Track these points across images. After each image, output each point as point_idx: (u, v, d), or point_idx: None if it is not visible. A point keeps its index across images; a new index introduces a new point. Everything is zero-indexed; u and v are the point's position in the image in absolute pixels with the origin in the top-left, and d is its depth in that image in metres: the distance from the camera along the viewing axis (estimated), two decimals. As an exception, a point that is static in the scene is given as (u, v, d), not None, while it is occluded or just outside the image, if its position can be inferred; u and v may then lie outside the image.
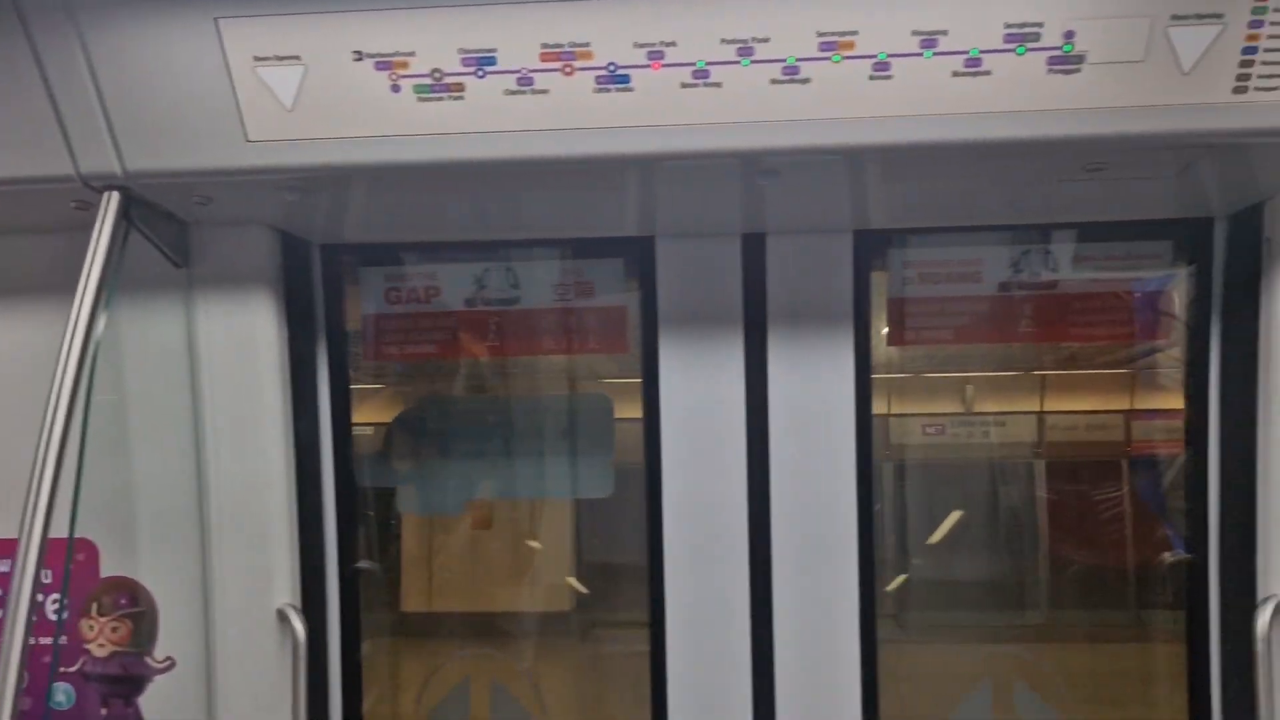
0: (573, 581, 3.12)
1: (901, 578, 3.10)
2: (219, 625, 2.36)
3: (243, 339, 2.32)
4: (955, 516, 3.11)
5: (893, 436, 3.12)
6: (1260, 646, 2.14)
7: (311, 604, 2.45)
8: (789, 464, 2.45)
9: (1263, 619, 2.16)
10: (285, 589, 2.37)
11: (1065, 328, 2.55)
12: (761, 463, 2.46)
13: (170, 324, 2.34)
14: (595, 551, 3.13)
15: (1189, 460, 2.45)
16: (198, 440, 2.34)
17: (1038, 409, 3.11)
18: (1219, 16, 1.68)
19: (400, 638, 3.13)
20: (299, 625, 2.32)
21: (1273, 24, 1.68)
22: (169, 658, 2.40)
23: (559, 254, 2.63)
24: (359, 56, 1.80)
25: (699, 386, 2.46)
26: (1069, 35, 1.71)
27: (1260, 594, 2.22)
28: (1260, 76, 1.72)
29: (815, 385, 2.44)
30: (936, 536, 3.12)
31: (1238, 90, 1.73)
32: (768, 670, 2.47)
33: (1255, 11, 1.67)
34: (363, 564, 2.68)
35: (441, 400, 2.95)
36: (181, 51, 1.82)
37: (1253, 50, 1.70)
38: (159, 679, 2.41)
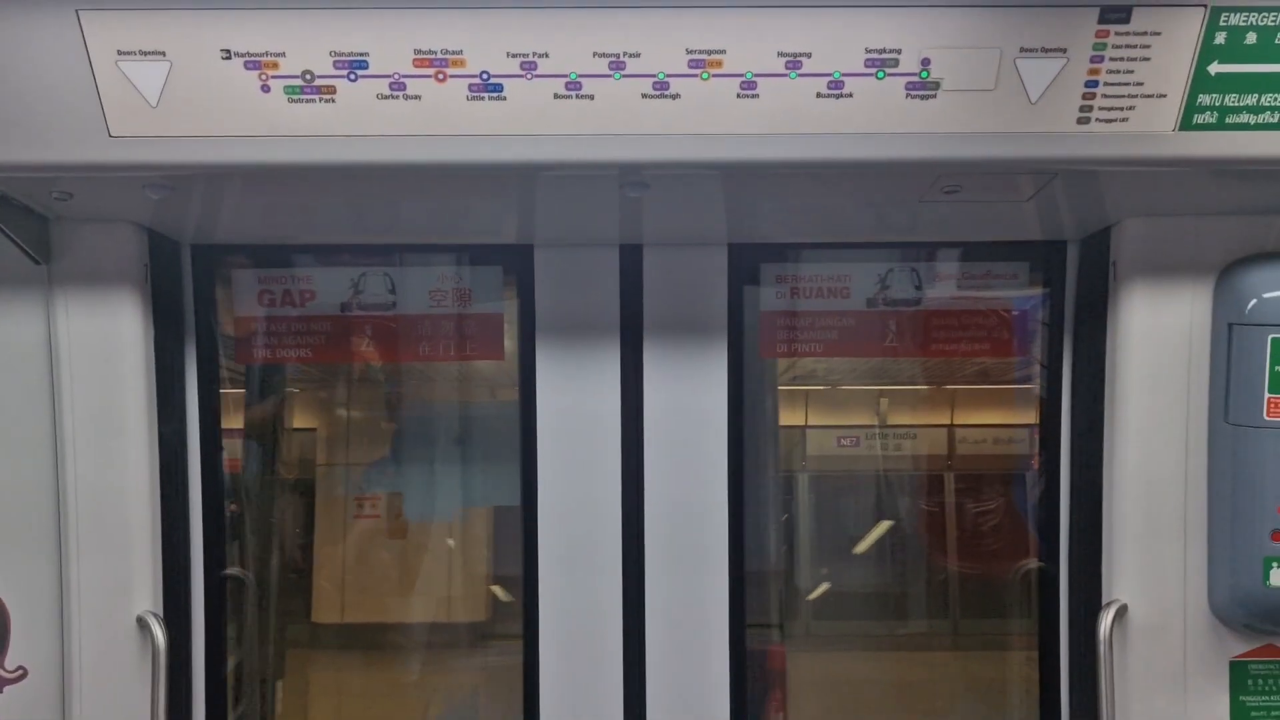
0: (497, 590, 3.09)
1: (824, 587, 3.16)
2: (75, 633, 2.28)
3: (105, 339, 2.25)
4: (884, 526, 3.18)
5: (809, 448, 3.18)
6: (1103, 648, 2.26)
7: (175, 612, 2.39)
8: (663, 472, 2.49)
9: (1105, 622, 2.27)
10: (146, 596, 2.31)
11: (929, 343, 2.65)
12: (636, 470, 2.49)
13: (29, 322, 2.27)
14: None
15: (1043, 472, 2.57)
16: (56, 442, 2.27)
17: (948, 422, 3.20)
18: (1063, 51, 1.77)
19: (311, 650, 3.05)
20: (159, 633, 2.27)
21: (1112, 59, 1.79)
22: (21, 667, 2.31)
23: (437, 260, 2.63)
24: (227, 55, 1.78)
25: (575, 394, 2.48)
26: (925, 63, 1.78)
27: (1104, 598, 2.34)
28: (1101, 109, 1.82)
29: (690, 394, 2.49)
30: (862, 546, 3.19)
31: (1081, 120, 1.83)
32: (639, 675, 2.51)
33: (1096, 47, 1.77)
34: (232, 571, 2.63)
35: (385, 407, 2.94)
36: (41, 42, 1.77)
37: (1094, 84, 1.80)
38: (10, 689, 2.32)
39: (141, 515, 2.30)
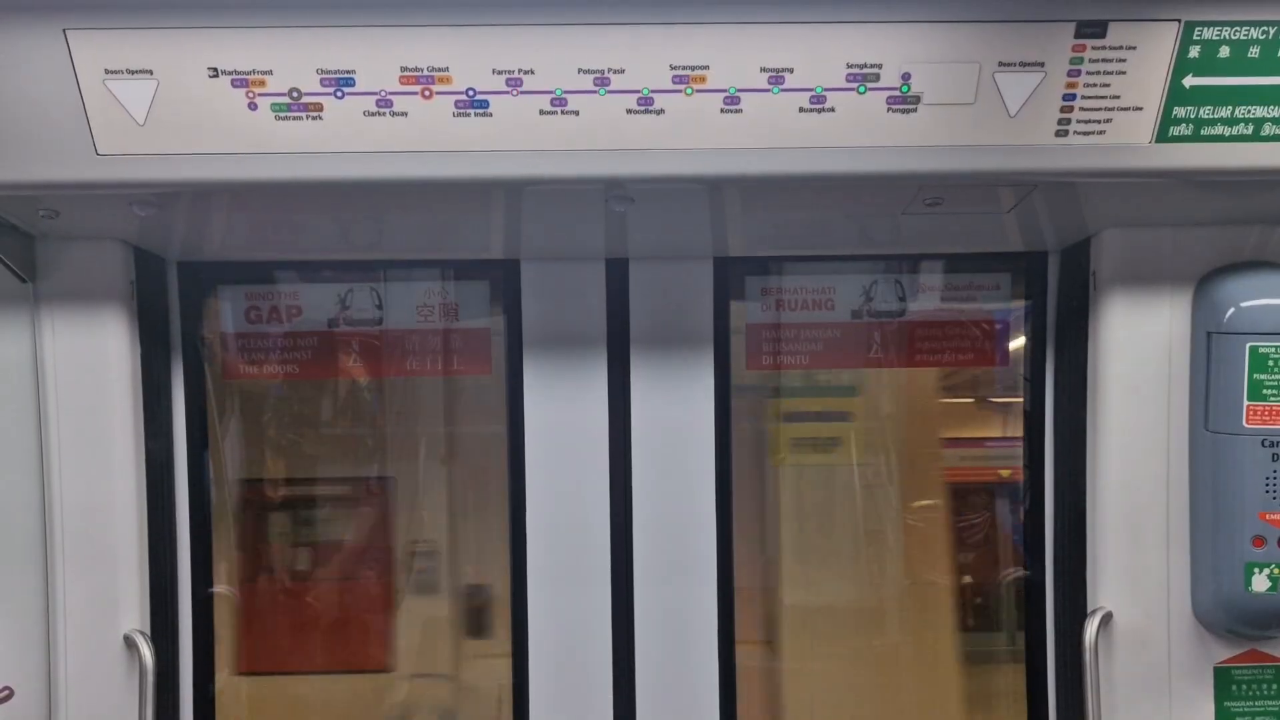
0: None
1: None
2: (62, 652, 2.27)
3: (92, 356, 2.25)
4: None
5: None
6: (1088, 655, 2.28)
7: (162, 630, 2.38)
8: (651, 485, 2.50)
9: (1091, 629, 2.29)
10: (133, 614, 2.30)
11: (913, 354, 2.67)
12: (624, 484, 2.50)
13: (15, 340, 2.26)
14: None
15: (1028, 482, 2.59)
16: (43, 459, 2.27)
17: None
18: (1040, 65, 1.80)
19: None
20: (147, 651, 2.26)
21: (1089, 73, 1.81)
22: (7, 687, 2.29)
23: (424, 275, 2.64)
24: (215, 73, 1.79)
25: (562, 408, 2.49)
26: (906, 77, 1.81)
27: (1089, 606, 2.36)
28: (1079, 121, 1.85)
29: (677, 407, 2.50)
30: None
31: (1060, 133, 1.85)
32: (629, 689, 2.51)
33: (1073, 61, 1.80)
34: (219, 589, 2.62)
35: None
36: (28, 61, 1.77)
37: (1072, 97, 1.83)
38: (-5, 710, 2.31)
39: (128, 532, 2.30)
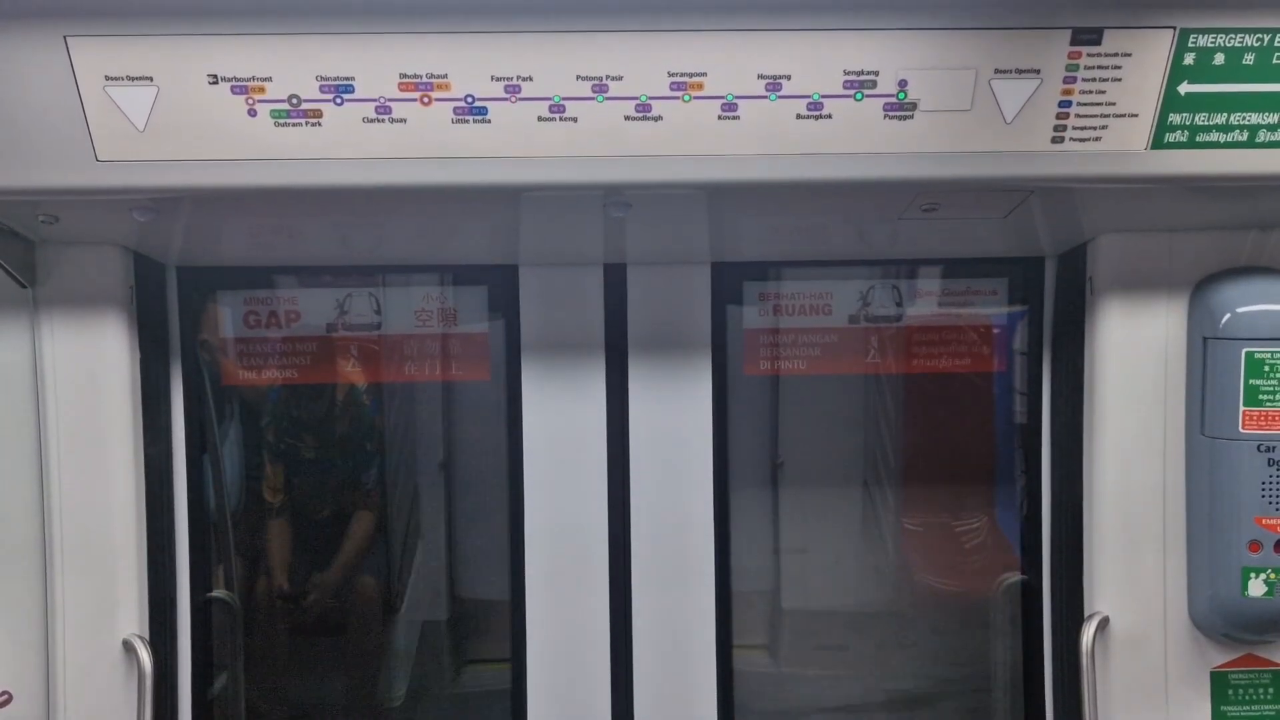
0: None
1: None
2: (60, 657, 2.28)
3: (91, 361, 2.26)
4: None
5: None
6: (1085, 660, 2.28)
7: (161, 635, 2.39)
8: (649, 490, 2.51)
9: (1087, 634, 2.29)
10: (132, 619, 2.30)
11: (911, 359, 2.68)
12: (622, 489, 2.50)
13: (14, 345, 2.27)
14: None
15: (1025, 487, 2.60)
16: (42, 464, 2.27)
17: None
18: (1036, 72, 1.81)
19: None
20: (145, 656, 2.26)
21: (1085, 80, 1.82)
22: (5, 692, 2.30)
23: (422, 281, 2.64)
24: (214, 79, 1.79)
25: (561, 414, 2.50)
26: (903, 84, 1.81)
27: (1086, 611, 2.36)
28: (1075, 128, 1.86)
29: (675, 412, 2.50)
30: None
31: (1056, 140, 1.86)
32: (627, 694, 2.51)
33: (1069, 68, 1.81)
34: (217, 593, 2.62)
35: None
36: (29, 68, 1.78)
37: (1068, 104, 1.84)
38: (-7, 715, 2.31)
39: (127, 537, 2.30)
